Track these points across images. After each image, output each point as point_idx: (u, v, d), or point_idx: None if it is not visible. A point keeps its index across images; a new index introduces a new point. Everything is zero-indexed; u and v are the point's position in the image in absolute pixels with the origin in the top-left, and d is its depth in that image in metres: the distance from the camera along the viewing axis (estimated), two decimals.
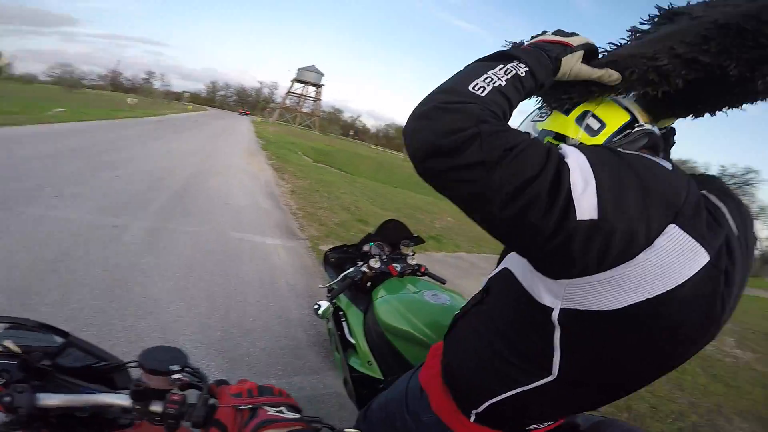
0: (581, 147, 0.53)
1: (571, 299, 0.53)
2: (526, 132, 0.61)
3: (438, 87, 0.56)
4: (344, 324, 1.73)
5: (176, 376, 0.61)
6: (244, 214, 4.86)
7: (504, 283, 0.69)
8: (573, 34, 0.64)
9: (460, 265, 5.41)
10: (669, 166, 0.55)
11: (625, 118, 0.67)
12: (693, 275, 0.48)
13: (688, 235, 0.48)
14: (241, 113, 65.63)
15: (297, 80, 66.77)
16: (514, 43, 0.66)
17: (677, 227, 0.48)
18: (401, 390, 0.89)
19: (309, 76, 65.81)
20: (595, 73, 0.62)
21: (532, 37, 0.66)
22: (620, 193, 0.48)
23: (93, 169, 5.27)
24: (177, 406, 0.60)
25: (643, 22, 0.70)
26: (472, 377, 0.72)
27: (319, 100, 68.58)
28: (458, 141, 0.48)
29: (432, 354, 0.92)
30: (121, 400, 0.62)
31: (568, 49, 0.62)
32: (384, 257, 1.83)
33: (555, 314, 0.55)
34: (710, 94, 0.65)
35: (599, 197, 0.47)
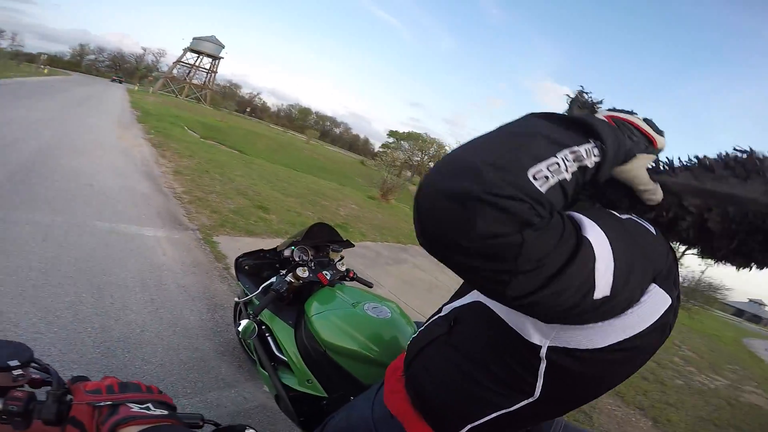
0: (594, 215, 0.51)
1: (561, 339, 0.56)
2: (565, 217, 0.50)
3: (486, 150, 0.43)
4: (269, 339, 1.57)
5: (18, 372, 0.60)
6: (114, 199, 4.13)
7: (480, 316, 0.68)
8: (660, 132, 0.59)
9: (367, 254, 5.51)
10: (653, 229, 0.61)
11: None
12: (660, 316, 0.56)
13: (663, 290, 0.56)
14: (114, 80, 56.10)
15: (191, 50, 58.81)
16: (591, 104, 0.60)
17: (656, 286, 0.55)
18: (366, 416, 0.86)
19: (206, 47, 58.54)
20: (649, 185, 0.58)
21: (616, 110, 0.59)
22: (630, 269, 0.51)
23: None
24: (20, 403, 0.57)
25: (717, 158, 0.62)
26: (450, 404, 0.72)
27: (215, 72, 61.78)
28: (492, 248, 0.40)
29: (391, 375, 0.89)
30: None
31: (651, 148, 0.58)
32: (311, 265, 1.68)
33: (543, 351, 0.58)
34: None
35: (615, 277, 0.48)
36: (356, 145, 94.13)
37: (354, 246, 2.02)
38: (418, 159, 57.90)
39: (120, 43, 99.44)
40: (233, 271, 3.26)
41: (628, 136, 0.54)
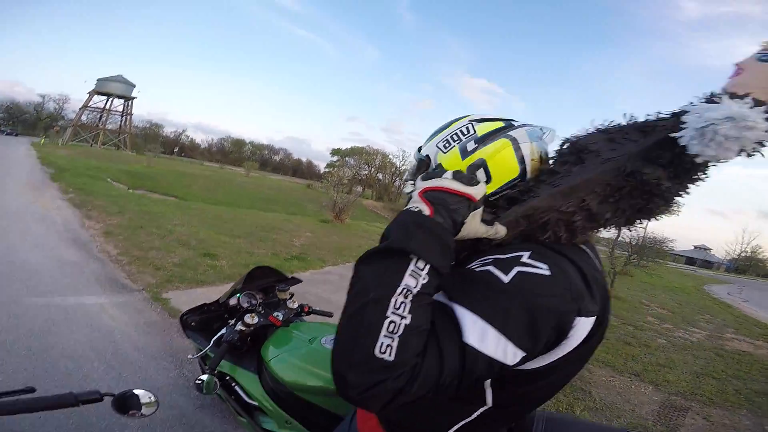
0: (475, 302, 0.59)
1: None
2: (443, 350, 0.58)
3: (341, 353, 0.55)
4: (237, 388, 1.58)
5: None
6: (43, 272, 3.95)
7: None
8: (473, 181, 0.65)
9: (331, 279, 5.63)
10: (546, 270, 0.62)
11: (515, 174, 0.78)
12: (589, 332, 0.66)
13: (586, 318, 0.64)
14: (8, 134, 50.93)
15: (98, 92, 54.23)
16: (405, 214, 0.63)
17: (580, 317, 0.63)
18: None
19: (114, 88, 54.26)
20: (489, 231, 0.68)
21: (430, 176, 0.66)
22: (532, 325, 0.58)
23: None
24: None
25: (554, 158, 0.80)
26: (416, 423, 0.78)
27: (130, 114, 58.25)
28: (390, 407, 0.55)
29: None
30: None
31: (473, 205, 0.64)
32: (260, 309, 1.68)
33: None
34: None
35: (513, 343, 0.58)
36: (300, 169, 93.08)
37: (301, 281, 2.09)
38: (366, 172, 58.73)
39: (11, 92, 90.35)
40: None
41: (451, 206, 0.62)
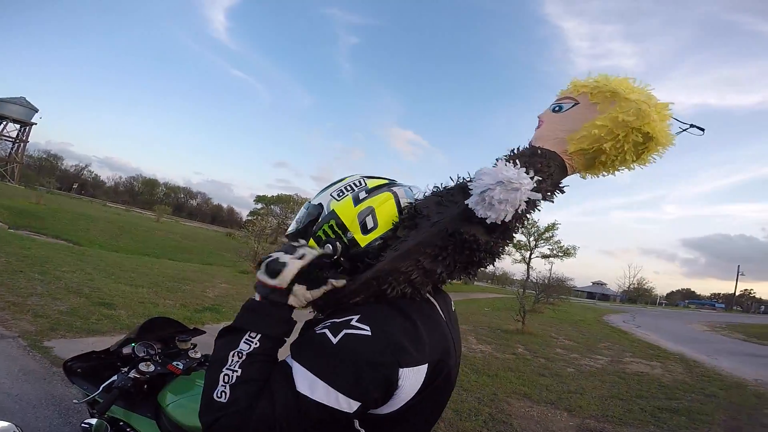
0: (307, 363, 0.73)
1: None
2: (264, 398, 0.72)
3: (202, 399, 0.74)
4: None
5: None
6: None
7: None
8: (277, 273, 0.79)
9: None
10: (368, 331, 0.74)
11: (395, 221, 0.91)
12: (425, 379, 0.77)
13: (413, 368, 0.75)
14: None
15: None
16: (247, 301, 0.83)
17: (402, 368, 0.73)
18: None
19: (12, 110, 47.39)
20: (322, 291, 0.83)
21: (261, 270, 0.82)
22: (357, 380, 0.71)
23: None
24: None
25: (395, 225, 0.90)
26: None
27: (25, 141, 51.34)
28: None
29: None
30: None
31: (285, 290, 0.80)
32: (158, 358, 1.63)
33: (352, 414, 0.75)
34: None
35: (343, 393, 0.70)
36: (220, 216, 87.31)
37: (204, 332, 2.02)
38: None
39: None
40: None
41: (267, 293, 0.80)
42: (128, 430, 1.53)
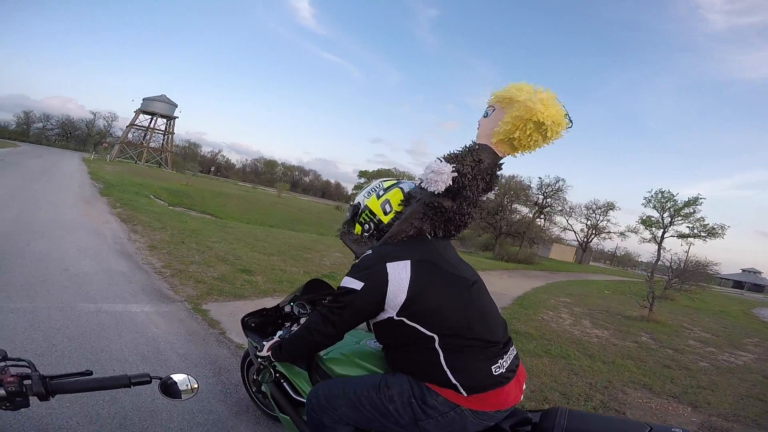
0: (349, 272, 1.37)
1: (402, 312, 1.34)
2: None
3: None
4: (285, 385, 1.82)
5: (1, 364, 0.86)
6: (94, 281, 4.24)
7: (390, 331, 1.40)
8: (258, 349, 1.67)
9: None
10: (370, 252, 1.40)
11: (400, 197, 1.51)
12: (411, 269, 1.31)
13: (396, 262, 1.32)
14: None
15: (143, 111, 58.21)
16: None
17: (389, 263, 1.32)
18: (374, 384, 1.43)
19: (158, 107, 58.18)
20: (268, 348, 1.66)
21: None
22: (361, 272, 1.35)
23: None
24: (15, 385, 0.80)
25: (400, 203, 1.49)
26: (417, 370, 1.38)
27: (172, 133, 62.06)
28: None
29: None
30: None
31: (266, 356, 1.66)
32: None
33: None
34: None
35: (355, 278, 1.34)
36: (329, 190, 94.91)
37: None
38: None
39: (64, 108, 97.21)
40: (230, 336, 3.42)
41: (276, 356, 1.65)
42: (283, 381, 1.85)
